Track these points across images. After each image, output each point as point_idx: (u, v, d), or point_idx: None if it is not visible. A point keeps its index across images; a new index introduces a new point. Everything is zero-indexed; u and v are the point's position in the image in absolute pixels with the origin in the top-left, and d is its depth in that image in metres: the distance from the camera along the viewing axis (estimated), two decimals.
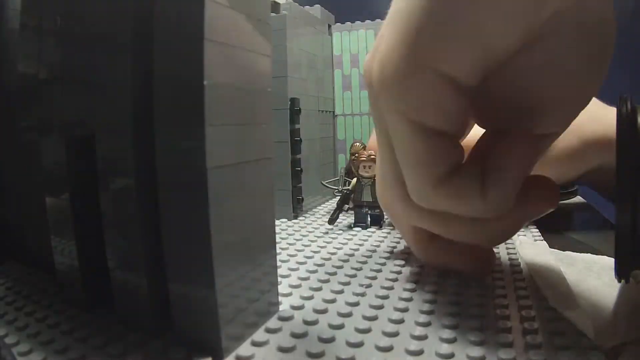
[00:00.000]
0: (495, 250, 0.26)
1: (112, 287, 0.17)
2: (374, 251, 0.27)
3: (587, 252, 0.26)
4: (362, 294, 0.20)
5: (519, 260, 0.25)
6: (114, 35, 0.16)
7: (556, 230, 0.32)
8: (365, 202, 0.32)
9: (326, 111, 0.45)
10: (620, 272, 0.16)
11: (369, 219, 0.33)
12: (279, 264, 0.24)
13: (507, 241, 0.28)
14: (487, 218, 0.18)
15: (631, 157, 0.16)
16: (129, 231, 0.16)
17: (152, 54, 0.15)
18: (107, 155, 0.16)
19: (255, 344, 0.16)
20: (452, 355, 0.15)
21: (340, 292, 0.20)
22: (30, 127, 0.20)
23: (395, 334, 0.16)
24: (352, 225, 0.33)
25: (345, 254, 0.26)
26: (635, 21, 0.56)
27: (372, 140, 0.27)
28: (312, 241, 0.29)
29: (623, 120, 0.16)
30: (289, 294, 0.20)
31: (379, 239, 0.29)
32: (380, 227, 0.32)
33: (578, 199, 0.45)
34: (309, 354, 0.15)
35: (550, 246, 0.27)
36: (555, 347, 0.15)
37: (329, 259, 0.25)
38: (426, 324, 0.17)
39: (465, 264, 0.22)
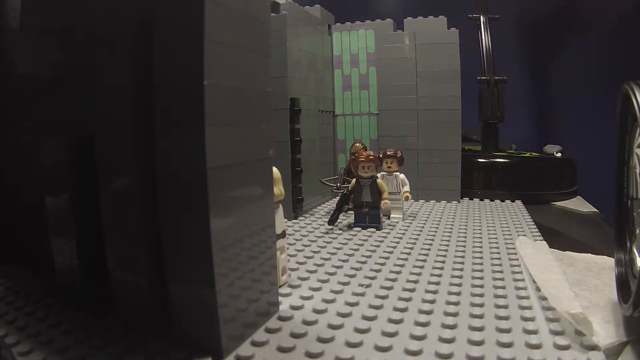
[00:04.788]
0: (495, 249, 0.26)
1: (112, 287, 0.17)
2: (374, 251, 0.27)
3: (587, 252, 0.26)
4: (362, 294, 0.20)
5: (519, 260, 0.25)
6: (115, 35, 0.16)
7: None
8: (365, 202, 0.32)
9: (326, 111, 0.45)
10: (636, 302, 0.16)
11: (367, 219, 0.33)
12: None
13: (507, 241, 0.28)
14: None
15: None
16: (129, 231, 0.16)
17: (153, 55, 0.15)
18: (107, 156, 0.16)
19: (255, 344, 0.16)
20: (452, 355, 0.15)
21: (340, 292, 0.20)
22: (30, 128, 0.20)
23: (394, 334, 0.16)
24: (352, 226, 0.33)
25: (345, 254, 0.26)
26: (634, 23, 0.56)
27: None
28: (312, 241, 0.29)
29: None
30: (289, 294, 0.20)
31: (378, 239, 0.29)
32: (379, 227, 0.32)
33: (578, 199, 0.45)
34: (309, 354, 0.15)
35: (550, 246, 0.27)
36: (556, 347, 0.15)
37: (329, 259, 0.25)
38: (426, 324, 0.17)
39: None
